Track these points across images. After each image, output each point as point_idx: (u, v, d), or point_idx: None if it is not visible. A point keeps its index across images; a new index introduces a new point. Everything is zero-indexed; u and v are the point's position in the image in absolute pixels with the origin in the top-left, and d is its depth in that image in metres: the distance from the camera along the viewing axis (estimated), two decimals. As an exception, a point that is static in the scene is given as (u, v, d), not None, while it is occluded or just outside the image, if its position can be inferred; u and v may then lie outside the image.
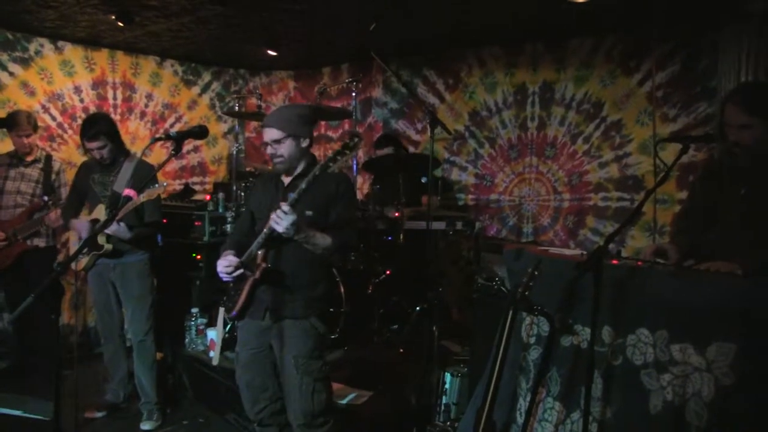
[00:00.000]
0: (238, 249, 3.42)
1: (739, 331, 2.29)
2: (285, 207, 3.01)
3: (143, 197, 3.97)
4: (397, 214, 5.55)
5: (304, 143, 3.40)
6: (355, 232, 3.60)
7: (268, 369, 3.47)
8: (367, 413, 4.30)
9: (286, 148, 3.32)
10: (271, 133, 3.32)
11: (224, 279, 3.39)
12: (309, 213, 3.28)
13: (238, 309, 3.32)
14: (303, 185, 3.01)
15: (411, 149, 6.69)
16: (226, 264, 3.33)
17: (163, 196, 5.04)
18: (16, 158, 5.26)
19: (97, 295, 4.68)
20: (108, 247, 4.37)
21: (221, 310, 3.71)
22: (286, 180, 3.47)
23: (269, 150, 3.36)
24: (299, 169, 3.41)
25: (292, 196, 3.05)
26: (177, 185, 7.25)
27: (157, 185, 4.05)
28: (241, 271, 3.31)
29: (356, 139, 3.01)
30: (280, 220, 3.02)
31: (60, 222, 4.95)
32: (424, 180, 5.48)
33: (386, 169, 5.90)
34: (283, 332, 3.34)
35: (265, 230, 3.16)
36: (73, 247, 4.78)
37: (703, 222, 3.14)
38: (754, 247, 2.83)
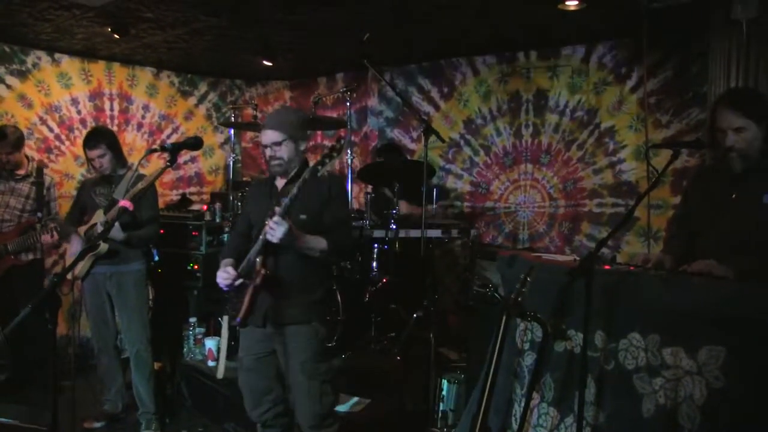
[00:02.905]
0: (236, 255, 3.44)
1: (728, 335, 2.30)
2: (277, 217, 3.03)
3: (143, 184, 3.99)
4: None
5: (302, 146, 3.45)
6: (350, 232, 3.62)
7: (271, 372, 3.50)
8: (365, 420, 4.32)
9: (285, 151, 3.35)
10: (271, 136, 3.33)
11: (225, 289, 3.40)
12: (303, 216, 3.29)
13: (242, 316, 3.28)
14: (294, 190, 3.03)
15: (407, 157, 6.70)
16: (225, 276, 3.34)
17: (160, 206, 5.06)
18: (6, 172, 5.16)
19: (92, 305, 4.68)
20: (103, 246, 4.39)
21: (224, 319, 3.71)
22: (280, 184, 3.49)
23: (268, 152, 3.38)
24: (292, 173, 3.43)
25: (285, 202, 3.06)
26: (174, 195, 7.27)
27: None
28: (241, 281, 3.32)
29: (342, 142, 3.13)
30: (274, 231, 3.04)
31: (55, 239, 4.93)
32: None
33: (381, 177, 5.93)
34: (286, 338, 3.36)
35: (261, 237, 3.16)
36: (69, 258, 4.79)
37: (697, 227, 3.16)
38: (746, 250, 2.85)
